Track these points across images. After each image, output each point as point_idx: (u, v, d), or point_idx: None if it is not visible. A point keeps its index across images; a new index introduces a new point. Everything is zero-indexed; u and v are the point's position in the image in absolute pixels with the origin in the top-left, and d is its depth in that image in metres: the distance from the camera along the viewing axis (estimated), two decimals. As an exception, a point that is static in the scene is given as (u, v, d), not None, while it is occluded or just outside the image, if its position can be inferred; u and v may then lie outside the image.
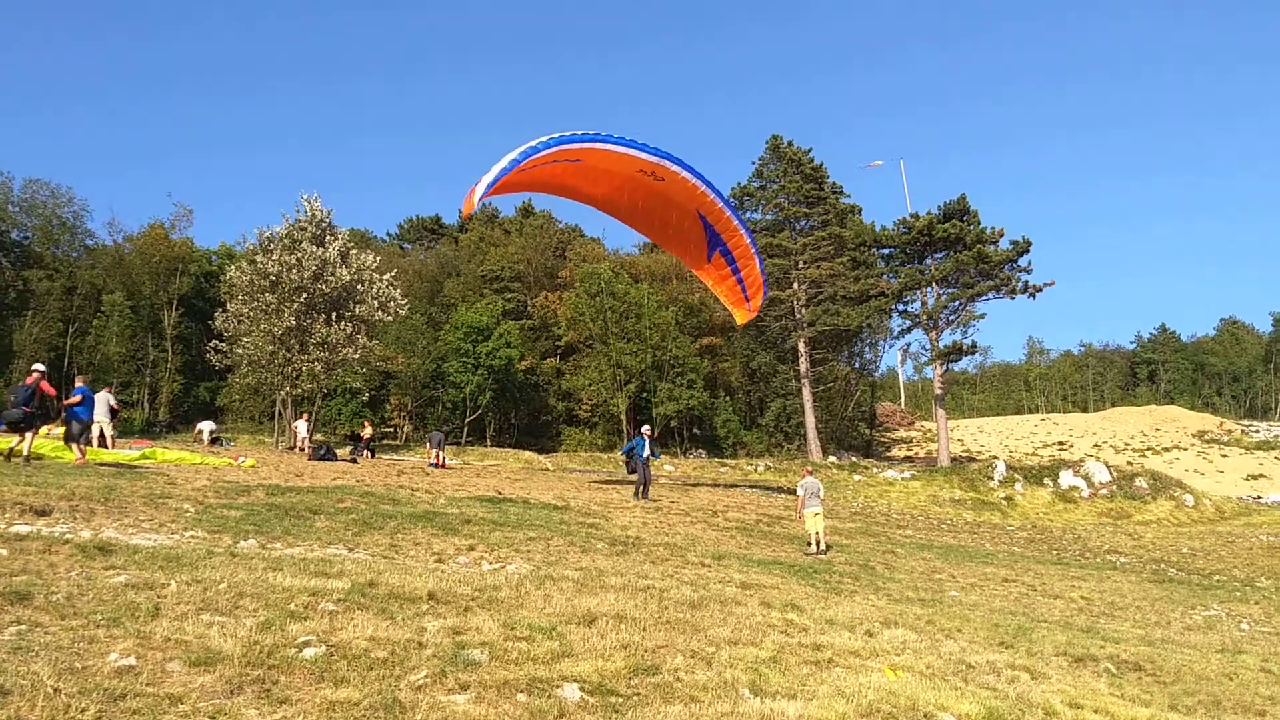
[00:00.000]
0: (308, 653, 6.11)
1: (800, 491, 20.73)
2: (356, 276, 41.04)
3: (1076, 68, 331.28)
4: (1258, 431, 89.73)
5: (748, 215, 62.46)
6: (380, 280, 42.10)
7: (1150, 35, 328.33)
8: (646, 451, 26.59)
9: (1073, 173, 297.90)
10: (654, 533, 19.06)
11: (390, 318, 43.09)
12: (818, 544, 19.69)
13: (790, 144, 59.53)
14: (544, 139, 23.53)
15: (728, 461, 49.12)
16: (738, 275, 28.41)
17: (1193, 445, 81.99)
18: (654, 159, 24.87)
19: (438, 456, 34.61)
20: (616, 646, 7.25)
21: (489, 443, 57.89)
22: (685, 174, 25.54)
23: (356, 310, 40.85)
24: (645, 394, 56.01)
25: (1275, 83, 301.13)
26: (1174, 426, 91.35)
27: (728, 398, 62.54)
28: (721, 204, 26.89)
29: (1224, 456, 75.95)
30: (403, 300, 43.57)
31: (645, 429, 27.55)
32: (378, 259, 44.30)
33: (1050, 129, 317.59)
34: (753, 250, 28.11)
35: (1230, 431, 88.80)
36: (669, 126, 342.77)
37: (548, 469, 41.12)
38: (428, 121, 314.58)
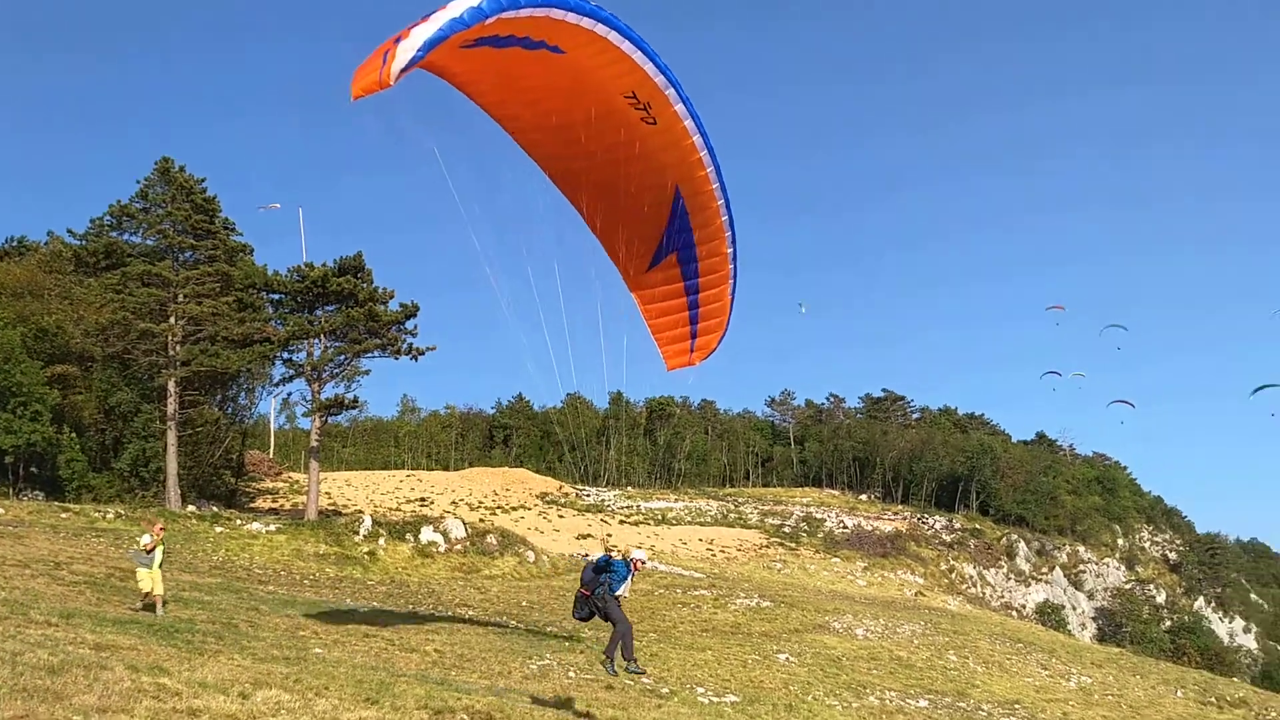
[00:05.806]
0: None
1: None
2: None
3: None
4: (589, 495, 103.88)
5: (125, 237, 56.73)
6: None
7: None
8: (623, 587, 14.87)
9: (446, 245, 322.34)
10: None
11: None
12: (150, 606, 18.11)
13: (182, 169, 55.66)
14: None
15: (70, 506, 43.40)
16: (692, 297, 18.14)
17: (536, 505, 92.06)
18: (660, 78, 14.94)
19: None
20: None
21: None
22: (684, 119, 15.68)
23: None
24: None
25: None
26: (522, 487, 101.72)
27: (76, 435, 55.30)
28: (711, 173, 16.46)
29: (561, 517, 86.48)
30: None
31: (638, 553, 15.59)
32: None
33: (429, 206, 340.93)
34: (730, 262, 17.82)
35: (567, 494, 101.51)
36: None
37: None
38: None
